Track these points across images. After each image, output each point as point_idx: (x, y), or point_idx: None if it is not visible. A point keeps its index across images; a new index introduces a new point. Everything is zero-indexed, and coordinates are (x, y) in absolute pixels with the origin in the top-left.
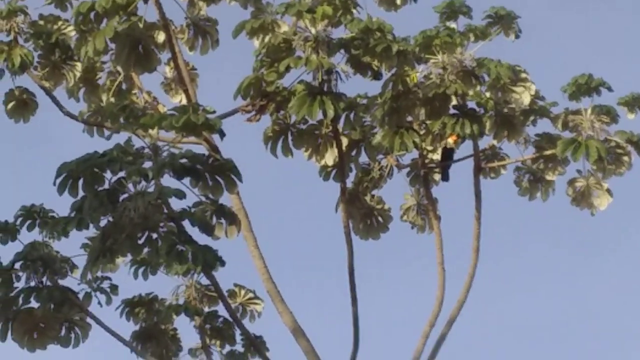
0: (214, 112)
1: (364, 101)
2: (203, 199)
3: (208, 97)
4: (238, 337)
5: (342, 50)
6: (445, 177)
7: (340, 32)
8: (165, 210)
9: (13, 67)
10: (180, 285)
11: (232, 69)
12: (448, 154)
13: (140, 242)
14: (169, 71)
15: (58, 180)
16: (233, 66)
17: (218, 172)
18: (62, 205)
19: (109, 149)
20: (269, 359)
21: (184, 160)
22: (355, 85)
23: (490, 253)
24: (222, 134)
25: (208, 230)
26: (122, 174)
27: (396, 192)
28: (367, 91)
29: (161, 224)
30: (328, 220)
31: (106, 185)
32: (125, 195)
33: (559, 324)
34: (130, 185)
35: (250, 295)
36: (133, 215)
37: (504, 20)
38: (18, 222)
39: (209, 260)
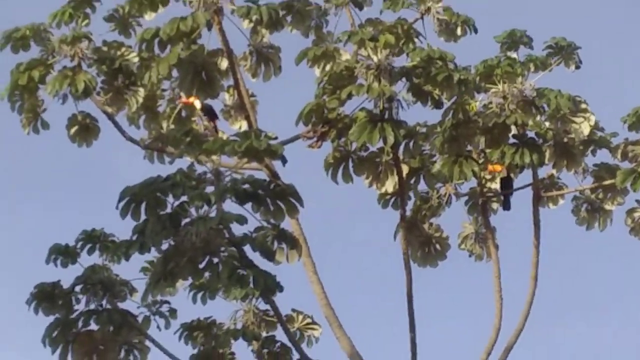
0: (276, 138)
1: (424, 129)
2: (264, 223)
3: (267, 123)
4: None
5: (403, 79)
6: (506, 206)
7: (401, 61)
8: (227, 235)
9: (76, 92)
10: (239, 310)
11: (291, 96)
12: (507, 183)
13: (201, 266)
14: (228, 98)
15: (121, 204)
16: (292, 93)
17: (279, 197)
18: (119, 229)
19: (171, 173)
20: None
21: (246, 186)
22: (415, 114)
23: (548, 281)
24: (284, 160)
25: (269, 255)
26: (184, 198)
27: (454, 221)
28: (426, 119)
29: (222, 249)
30: (387, 247)
31: (168, 209)
32: (187, 220)
33: (618, 353)
34: (192, 210)
35: (308, 320)
36: (195, 239)
37: (564, 51)
38: (79, 246)
39: (270, 284)
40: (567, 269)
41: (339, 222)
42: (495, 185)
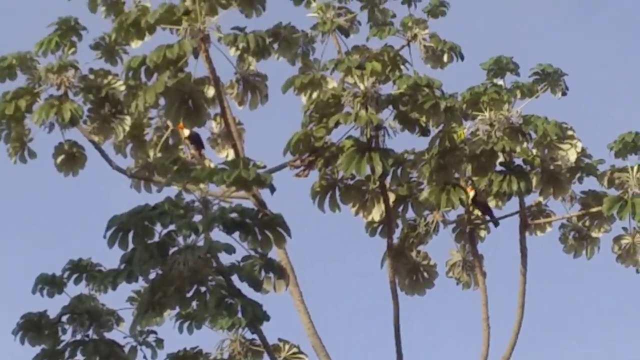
0: (264, 167)
1: (411, 157)
2: (252, 253)
3: (254, 151)
4: None
5: (390, 106)
6: (495, 222)
7: (388, 88)
8: (215, 264)
9: (63, 121)
10: (225, 339)
11: (278, 124)
12: (481, 204)
13: (188, 295)
14: (215, 126)
15: (108, 233)
16: (279, 121)
17: (267, 226)
18: (105, 259)
19: (159, 202)
20: None
21: (234, 215)
22: (401, 141)
23: (535, 309)
24: (273, 189)
25: (256, 284)
26: (172, 227)
27: (442, 248)
28: (413, 147)
29: (210, 278)
30: (374, 276)
31: (156, 238)
32: (175, 249)
33: None
34: (180, 239)
35: (295, 349)
36: (182, 268)
37: (550, 78)
38: (65, 276)
39: (258, 314)
40: (554, 296)
41: (327, 250)
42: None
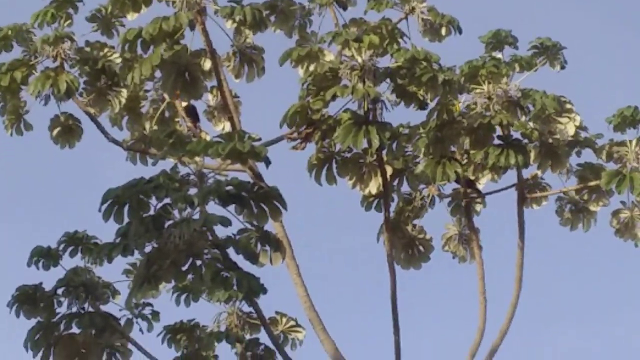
0: (259, 139)
1: (407, 131)
2: (248, 226)
3: (251, 124)
4: None
5: (388, 79)
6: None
7: (386, 61)
8: (210, 237)
9: (59, 93)
10: (222, 312)
11: (275, 97)
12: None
13: (184, 268)
14: (212, 99)
15: (104, 207)
16: (275, 93)
17: (263, 199)
18: (101, 231)
19: (155, 175)
20: None
21: (229, 188)
22: (396, 114)
23: (532, 283)
24: (268, 162)
25: (252, 257)
26: (167, 200)
27: (438, 222)
28: (409, 120)
29: (205, 251)
30: (370, 249)
31: (151, 212)
32: (171, 222)
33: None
34: (175, 212)
35: (292, 323)
36: (178, 241)
37: (549, 51)
38: (61, 248)
39: (254, 287)
40: (551, 270)
41: (323, 224)
42: (480, 186)
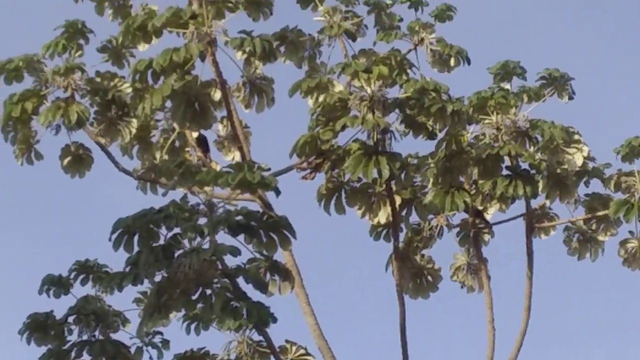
0: (269, 169)
1: (415, 161)
2: (257, 255)
3: (261, 154)
4: None
5: (397, 110)
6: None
7: (395, 92)
8: (220, 267)
9: (70, 123)
10: (232, 340)
11: (284, 127)
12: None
13: (194, 297)
14: (222, 129)
15: (114, 236)
16: (285, 124)
17: (272, 229)
18: (111, 259)
19: (164, 205)
20: None
21: (239, 217)
22: (406, 145)
23: (541, 311)
24: (278, 192)
25: (262, 287)
26: (177, 230)
27: (446, 252)
28: (417, 151)
29: (215, 280)
30: (379, 279)
31: (161, 241)
32: (180, 252)
33: None
34: (185, 242)
35: (302, 351)
36: (188, 271)
37: (557, 82)
38: (72, 276)
39: (263, 316)
40: (560, 299)
41: (332, 253)
42: (488, 216)
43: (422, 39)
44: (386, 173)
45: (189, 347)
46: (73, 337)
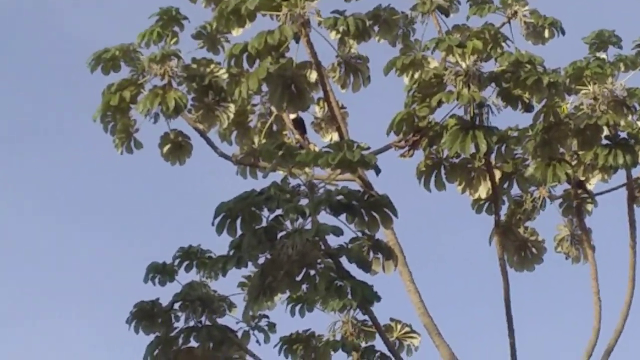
0: (368, 148)
1: (515, 134)
2: (359, 234)
3: (358, 134)
4: None
5: (492, 84)
6: None
7: (490, 66)
8: (323, 247)
9: (168, 111)
10: (337, 321)
11: (380, 106)
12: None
13: (298, 278)
14: (318, 110)
15: (216, 220)
16: (381, 102)
17: (374, 207)
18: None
19: (265, 187)
20: None
21: (340, 197)
22: (504, 118)
23: None
24: (378, 170)
25: (365, 266)
26: (279, 211)
27: (549, 224)
28: (516, 123)
29: (318, 261)
30: (482, 253)
31: (264, 224)
32: (283, 233)
33: None
34: (287, 223)
35: (407, 329)
36: (291, 252)
37: None
38: (176, 263)
39: (367, 295)
40: None
41: (434, 230)
42: (590, 186)
43: (516, 12)
44: (483, 147)
45: (295, 330)
46: (180, 324)
